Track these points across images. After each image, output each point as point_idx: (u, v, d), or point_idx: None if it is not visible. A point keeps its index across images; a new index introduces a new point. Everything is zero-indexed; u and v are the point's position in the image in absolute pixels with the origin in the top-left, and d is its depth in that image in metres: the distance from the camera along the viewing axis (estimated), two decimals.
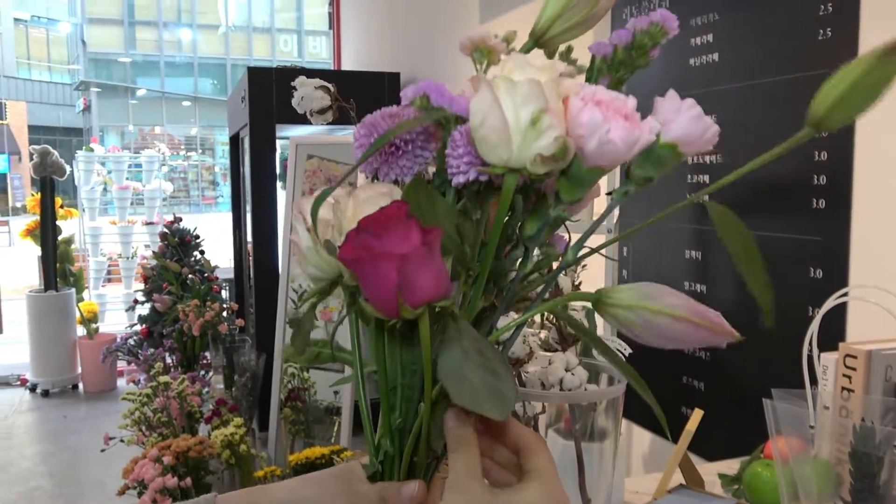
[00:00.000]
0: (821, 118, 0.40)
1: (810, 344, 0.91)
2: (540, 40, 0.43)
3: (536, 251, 0.44)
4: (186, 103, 27.71)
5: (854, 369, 1.11)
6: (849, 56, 1.33)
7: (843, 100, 0.38)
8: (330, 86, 0.94)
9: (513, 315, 0.47)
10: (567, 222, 0.45)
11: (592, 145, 0.37)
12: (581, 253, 0.44)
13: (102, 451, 2.88)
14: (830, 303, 0.93)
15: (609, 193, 0.43)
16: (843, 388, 1.12)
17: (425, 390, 0.41)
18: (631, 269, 2.01)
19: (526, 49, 0.43)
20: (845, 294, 0.95)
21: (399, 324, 0.40)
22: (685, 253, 1.79)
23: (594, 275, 1.63)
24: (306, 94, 0.93)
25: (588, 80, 0.46)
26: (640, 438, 2.03)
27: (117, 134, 26.97)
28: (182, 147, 27.33)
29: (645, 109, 0.42)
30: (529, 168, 0.38)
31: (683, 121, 0.40)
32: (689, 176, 1.76)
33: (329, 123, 0.98)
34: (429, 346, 0.39)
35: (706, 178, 1.71)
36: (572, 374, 0.92)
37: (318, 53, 27.80)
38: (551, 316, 0.98)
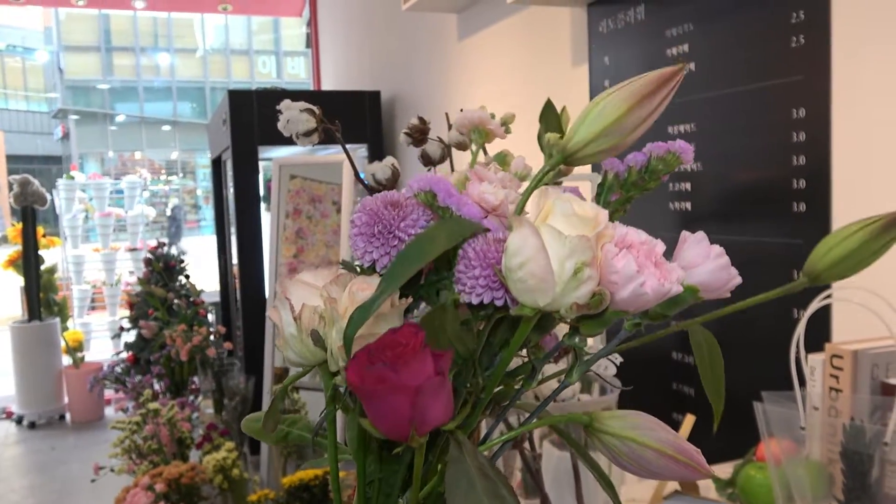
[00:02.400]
0: (817, 274, 0.43)
1: (797, 346, 0.93)
2: (568, 159, 0.44)
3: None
4: (166, 128, 27.64)
5: (841, 369, 1.13)
6: (821, 62, 1.36)
7: (841, 262, 0.41)
8: (315, 108, 0.95)
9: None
10: None
11: (625, 294, 0.38)
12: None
13: (93, 481, 2.85)
14: (815, 305, 0.95)
15: (640, 324, 0.44)
16: (831, 389, 1.14)
17: (412, 497, 0.41)
18: None
19: (553, 164, 0.44)
20: (829, 296, 0.97)
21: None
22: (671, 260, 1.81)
23: None
24: (292, 117, 0.93)
25: (598, 194, 0.48)
26: None
27: (97, 160, 26.82)
28: (163, 172, 27.21)
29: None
30: (563, 314, 0.39)
31: (710, 267, 0.42)
32: (671, 184, 1.78)
33: (316, 144, 0.99)
34: (421, 466, 0.40)
35: (688, 185, 1.73)
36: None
37: (297, 74, 27.84)
38: None
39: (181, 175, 27.18)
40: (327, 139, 0.96)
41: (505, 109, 1.71)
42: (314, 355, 0.43)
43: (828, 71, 1.35)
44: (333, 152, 3.59)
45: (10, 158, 25.08)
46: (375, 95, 3.69)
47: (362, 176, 0.90)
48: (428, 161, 1.11)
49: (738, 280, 0.43)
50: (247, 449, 3.49)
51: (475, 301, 0.40)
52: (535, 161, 1.74)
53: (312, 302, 0.43)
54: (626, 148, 0.44)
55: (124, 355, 4.29)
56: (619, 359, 1.02)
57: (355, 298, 0.41)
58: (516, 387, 0.46)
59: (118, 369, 4.00)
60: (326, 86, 5.21)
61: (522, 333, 0.40)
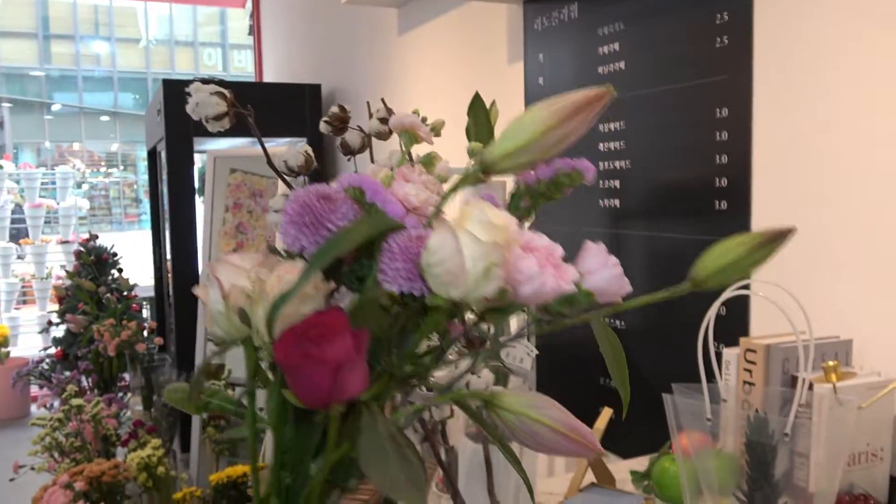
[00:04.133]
0: (702, 280, 0.47)
1: (705, 339, 0.94)
2: (488, 169, 0.47)
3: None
4: (104, 118, 26.89)
5: (754, 363, 1.15)
6: (743, 62, 1.39)
7: (723, 271, 0.46)
8: (226, 92, 0.92)
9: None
10: None
11: (527, 291, 0.43)
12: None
13: (11, 480, 2.74)
14: (721, 298, 0.96)
15: (541, 320, 0.49)
16: (745, 382, 1.16)
17: (325, 459, 0.45)
18: None
19: (473, 172, 0.48)
20: (741, 288, 0.98)
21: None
22: None
23: None
24: (201, 100, 0.91)
25: (511, 200, 0.53)
26: None
27: (33, 151, 25.94)
28: (102, 164, 26.46)
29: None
30: (472, 305, 0.44)
31: (606, 275, 0.47)
32: (601, 182, 1.79)
33: (251, 136, 0.97)
34: (335, 434, 0.44)
35: (616, 183, 1.74)
36: (478, 376, 0.92)
37: (244, 67, 27.36)
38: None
39: (122, 167, 26.49)
40: (268, 131, 0.94)
41: (443, 103, 1.70)
42: (239, 332, 0.46)
43: (750, 71, 1.38)
44: (276, 145, 3.53)
45: None
46: (316, 88, 3.65)
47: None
48: (347, 150, 1.09)
49: (629, 289, 0.48)
50: (177, 447, 3.41)
51: (396, 290, 0.44)
52: (455, 152, 1.71)
53: (240, 283, 0.46)
54: (542, 163, 0.49)
55: (52, 350, 4.15)
56: (534, 352, 1.02)
57: (283, 280, 0.44)
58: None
59: (44, 365, 3.86)
60: (269, 78, 5.13)
61: (433, 320, 0.45)
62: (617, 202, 1.75)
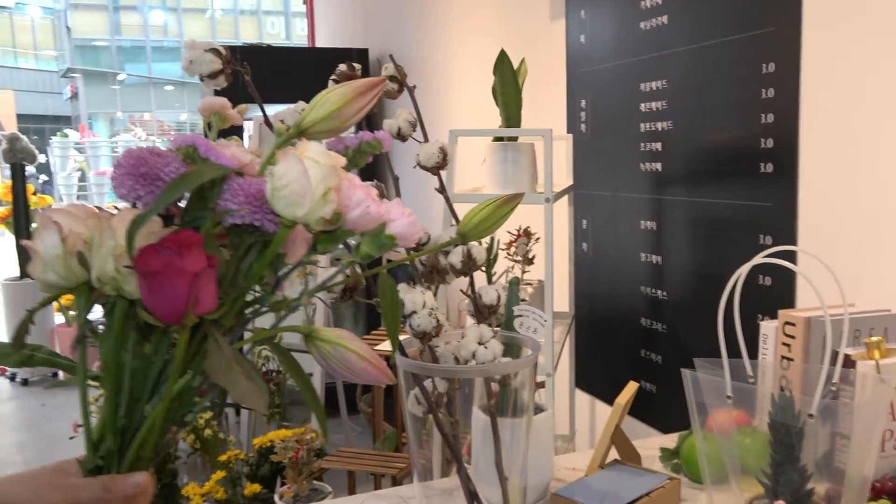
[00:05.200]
0: (466, 233, 0.63)
1: (730, 311, 0.87)
2: (303, 133, 0.56)
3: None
4: (169, 87, 27.47)
5: (793, 337, 1.07)
6: (791, 12, 1.28)
7: (479, 224, 0.62)
8: (222, 49, 0.89)
9: None
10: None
11: (355, 214, 0.51)
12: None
13: (71, 438, 2.85)
14: (746, 267, 0.89)
15: (353, 262, 0.58)
16: (783, 357, 1.08)
17: (168, 388, 0.48)
18: (590, 242, 1.97)
19: (289, 135, 0.55)
20: (772, 256, 0.90)
21: (133, 332, 0.48)
22: (641, 224, 1.75)
23: (559, 247, 1.59)
24: (195, 57, 0.88)
25: None
26: (604, 412, 2.00)
27: (106, 121, 26.76)
28: (171, 132, 27.11)
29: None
30: (312, 225, 0.50)
31: (403, 222, 0.55)
32: (642, 144, 1.71)
33: (305, 101, 0.95)
34: (183, 350, 0.47)
35: (658, 146, 1.66)
36: (485, 347, 0.88)
37: (306, 35, 27.56)
38: (469, 288, 0.94)
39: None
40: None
41: (486, 62, 1.64)
42: (77, 276, 0.48)
43: (798, 22, 1.28)
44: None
45: (21, 118, 25.07)
46: (363, 53, 3.61)
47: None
48: None
49: (422, 233, 0.61)
50: (230, 410, 3.48)
51: (240, 221, 0.50)
52: (494, 112, 1.64)
53: (78, 229, 0.49)
54: (345, 130, 0.58)
55: None
56: (547, 322, 0.97)
57: (126, 219, 0.48)
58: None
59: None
60: (321, 44, 5.11)
61: (276, 245, 0.50)
62: (658, 166, 1.67)
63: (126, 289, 0.47)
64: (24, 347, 0.51)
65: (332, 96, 0.55)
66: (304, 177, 0.48)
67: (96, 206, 0.52)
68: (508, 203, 0.61)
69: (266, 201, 0.49)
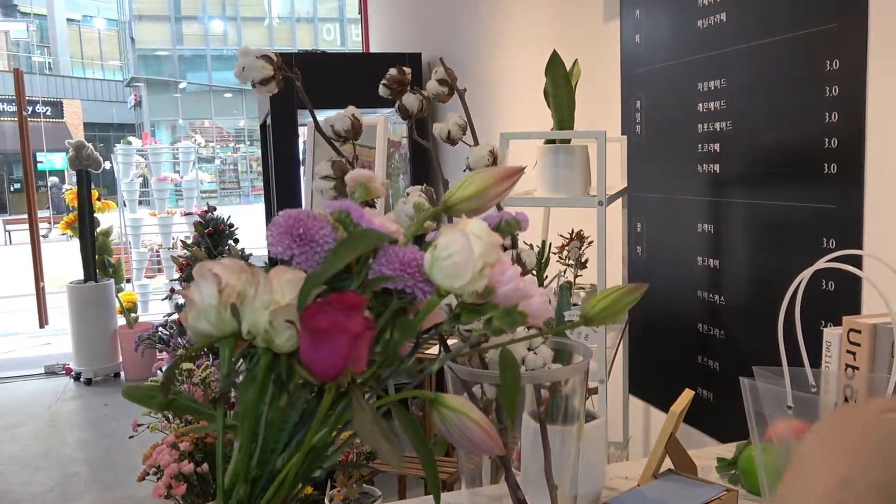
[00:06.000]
0: (590, 318, 0.59)
1: (790, 318, 0.83)
2: (449, 209, 0.58)
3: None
4: (227, 95, 28.07)
5: (858, 345, 1.03)
6: (856, 7, 1.23)
7: (605, 310, 0.58)
8: (273, 55, 0.89)
9: None
10: None
11: (505, 290, 0.52)
12: None
13: (131, 437, 2.92)
14: (808, 272, 0.85)
15: (467, 334, 0.63)
16: (848, 366, 1.04)
17: (307, 440, 0.49)
18: (645, 245, 1.93)
19: (436, 210, 0.59)
20: (834, 260, 0.87)
21: (276, 386, 0.50)
22: (698, 227, 1.70)
23: (612, 250, 1.56)
24: (248, 64, 0.88)
25: None
26: (658, 419, 1.95)
27: (168, 128, 27.50)
28: (231, 139, 27.73)
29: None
30: (465, 297, 0.52)
31: (538, 301, 0.55)
32: (700, 145, 1.66)
33: (357, 107, 0.96)
34: (328, 406, 0.49)
35: (716, 146, 1.61)
36: (535, 353, 0.86)
37: (360, 41, 27.85)
38: None
39: (248, 142, 27.67)
40: (370, 101, 0.92)
41: (539, 64, 1.63)
42: (227, 326, 0.50)
43: (864, 17, 1.23)
44: (379, 115, 3.54)
45: (88, 126, 25.96)
46: (416, 57, 3.62)
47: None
48: (405, 114, 1.04)
49: (552, 315, 0.58)
50: None
51: (392, 287, 0.51)
52: (546, 115, 1.63)
53: (233, 282, 0.50)
54: (486, 209, 0.59)
55: (175, 316, 4.38)
56: (598, 330, 0.94)
57: (282, 281, 0.50)
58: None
59: (164, 330, 4.08)
60: (375, 50, 5.15)
61: (426, 311, 0.52)
62: (716, 167, 1.62)
63: (276, 342, 0.49)
64: (170, 392, 0.52)
65: (477, 179, 0.58)
66: (468, 250, 0.50)
67: (247, 263, 0.54)
68: (633, 292, 0.59)
69: (421, 270, 0.51)
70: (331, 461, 0.52)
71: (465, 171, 0.97)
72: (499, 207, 1.00)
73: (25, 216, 5.72)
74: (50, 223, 15.56)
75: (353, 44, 27.55)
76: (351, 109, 0.92)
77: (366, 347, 0.47)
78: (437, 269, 0.51)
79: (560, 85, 1.40)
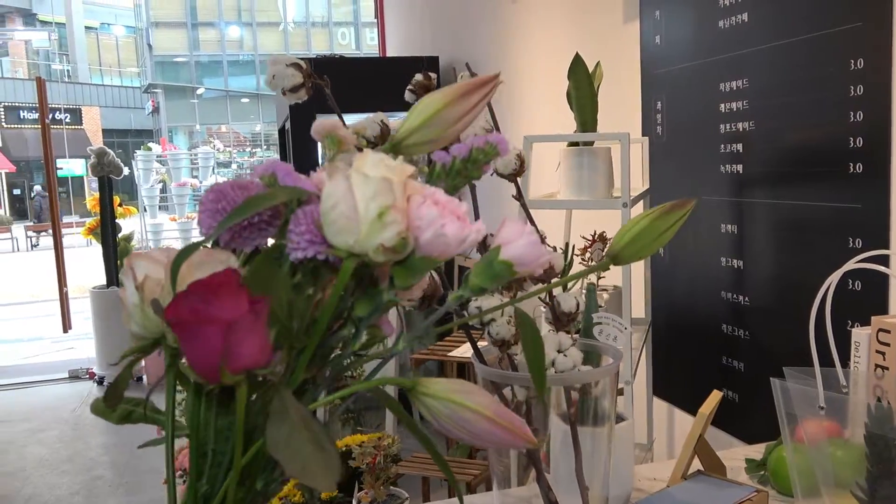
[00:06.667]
0: (616, 253, 0.47)
1: (821, 318, 0.84)
2: (396, 147, 0.48)
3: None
4: (246, 100, 28.26)
5: (888, 345, 1.02)
6: (882, 6, 1.23)
7: (633, 241, 0.46)
8: (302, 63, 0.91)
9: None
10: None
11: (427, 236, 0.41)
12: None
13: (143, 445, 2.95)
14: (840, 272, 0.85)
15: (462, 297, 0.46)
16: (877, 366, 1.03)
17: (234, 457, 0.41)
18: (667, 247, 1.92)
19: (384, 151, 0.47)
20: (864, 261, 0.87)
21: (217, 389, 0.42)
22: (721, 227, 1.70)
23: None
24: (278, 72, 0.90)
25: (427, 182, 0.49)
26: (683, 421, 1.95)
27: (185, 133, 27.73)
28: (248, 144, 27.91)
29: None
30: (371, 255, 0.41)
31: (522, 244, 0.44)
32: (722, 146, 1.66)
33: (375, 110, 0.97)
34: (243, 413, 0.40)
35: (739, 146, 1.61)
36: (565, 355, 0.87)
37: (375, 44, 27.96)
38: (546, 295, 0.93)
39: (264, 147, 27.84)
40: (388, 105, 0.93)
41: (557, 68, 1.62)
42: (155, 325, 0.43)
43: (889, 16, 1.22)
44: (393, 119, 3.55)
45: (106, 132, 26.24)
46: (434, 60, 3.63)
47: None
48: None
49: (549, 256, 0.45)
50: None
51: (300, 256, 0.42)
52: (567, 117, 1.63)
53: (158, 275, 0.44)
54: (452, 140, 0.48)
55: None
56: (627, 329, 0.95)
57: (193, 265, 0.41)
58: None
59: None
60: (391, 54, 5.17)
61: (342, 280, 0.42)
62: (739, 167, 1.62)
63: (169, 338, 0.42)
64: (118, 404, 0.47)
65: (429, 100, 0.47)
66: (349, 195, 0.40)
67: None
68: (673, 212, 0.46)
69: (320, 228, 0.42)
70: (280, 479, 0.44)
71: (491, 174, 0.98)
72: (526, 209, 1.01)
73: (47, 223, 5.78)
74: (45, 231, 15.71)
75: (368, 47, 27.66)
76: (380, 115, 0.93)
77: (255, 335, 0.38)
78: (326, 226, 0.41)
79: (583, 87, 1.40)
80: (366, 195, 0.40)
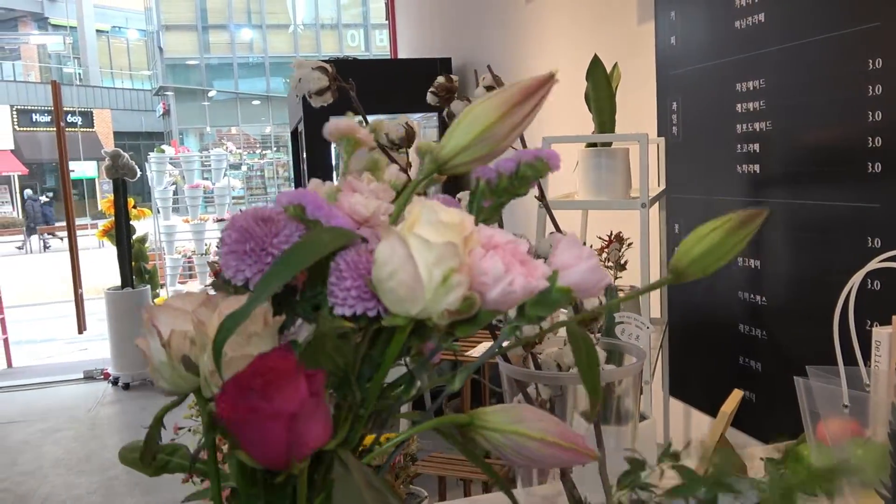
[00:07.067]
0: (682, 271, 0.43)
1: (844, 317, 0.84)
2: (442, 167, 0.44)
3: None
4: (256, 102, 28.36)
5: None
6: None
7: (700, 258, 0.42)
8: (328, 67, 0.92)
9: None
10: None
11: (494, 295, 0.38)
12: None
13: (172, 440, 2.97)
14: (862, 272, 0.86)
15: (517, 328, 0.43)
16: None
17: None
18: None
19: (426, 172, 0.44)
20: (887, 259, 0.87)
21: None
22: None
23: (651, 252, 1.57)
24: (304, 75, 0.91)
25: (470, 201, 0.46)
26: (699, 421, 1.95)
27: (196, 136, 27.85)
28: (258, 146, 27.99)
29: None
30: (435, 320, 0.38)
31: (582, 269, 0.41)
32: (739, 146, 1.66)
33: (388, 112, 0.97)
34: (305, 491, 0.38)
35: (756, 146, 1.61)
36: None
37: (385, 46, 28.01)
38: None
39: (275, 148, 27.91)
40: (405, 106, 0.94)
41: (572, 69, 1.64)
42: (188, 382, 0.41)
43: None
44: (416, 119, 3.56)
45: (118, 135, 26.41)
46: (446, 62, 3.64)
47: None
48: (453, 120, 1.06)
49: (608, 281, 0.43)
50: None
51: (348, 313, 0.39)
52: (584, 118, 1.64)
53: (183, 327, 0.40)
54: (500, 154, 0.44)
55: None
56: (649, 328, 0.96)
57: (224, 317, 0.38)
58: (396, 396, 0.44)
59: None
60: (403, 55, 5.19)
61: (397, 343, 0.39)
62: (756, 167, 1.62)
63: (205, 392, 0.40)
64: (155, 458, 0.45)
65: (478, 112, 0.42)
66: (410, 263, 0.37)
67: (208, 285, 0.43)
68: (745, 227, 0.42)
69: (369, 284, 0.38)
70: None
71: None
72: (549, 210, 1.02)
73: (61, 224, 5.82)
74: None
75: (378, 49, 27.71)
76: (404, 118, 0.94)
77: (318, 418, 0.36)
78: (382, 293, 0.38)
79: (601, 88, 1.41)
80: (428, 262, 0.37)
